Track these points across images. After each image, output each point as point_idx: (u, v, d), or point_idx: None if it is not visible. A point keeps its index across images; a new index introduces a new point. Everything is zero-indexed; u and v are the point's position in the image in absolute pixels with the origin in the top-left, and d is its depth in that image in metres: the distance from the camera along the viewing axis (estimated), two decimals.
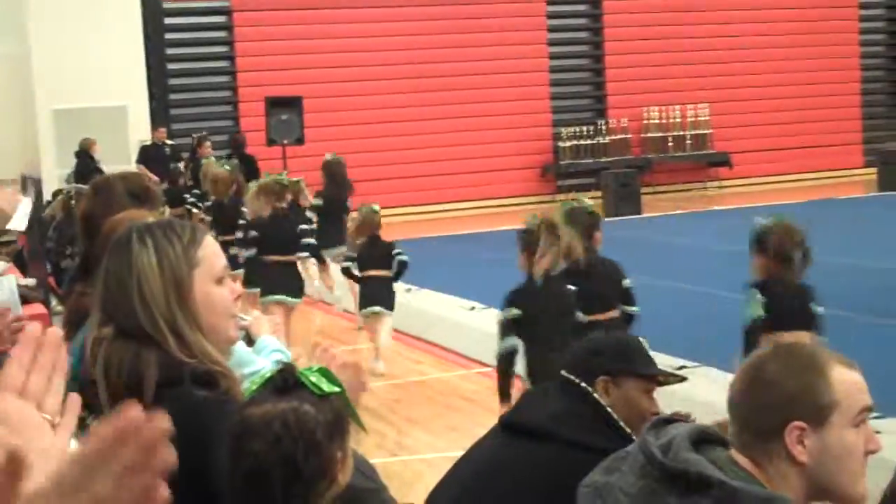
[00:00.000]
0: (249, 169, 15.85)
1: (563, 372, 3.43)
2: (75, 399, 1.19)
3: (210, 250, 2.47)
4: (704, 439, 2.13)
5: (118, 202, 3.74)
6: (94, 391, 2.33)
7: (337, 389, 2.08)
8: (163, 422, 0.97)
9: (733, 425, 2.18)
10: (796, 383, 2.14)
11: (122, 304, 2.39)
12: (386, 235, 10.08)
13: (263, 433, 2.01)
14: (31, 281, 9.18)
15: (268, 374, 2.10)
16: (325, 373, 2.09)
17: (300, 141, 19.63)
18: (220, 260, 2.50)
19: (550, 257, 6.10)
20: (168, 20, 21.22)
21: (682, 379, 3.74)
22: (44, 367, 1.20)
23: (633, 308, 6.64)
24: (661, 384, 3.56)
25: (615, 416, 3.31)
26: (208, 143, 18.38)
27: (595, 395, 3.34)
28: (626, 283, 6.68)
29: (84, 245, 3.81)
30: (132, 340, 2.36)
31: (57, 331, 1.19)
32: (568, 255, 6.23)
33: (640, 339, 3.61)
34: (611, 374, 3.37)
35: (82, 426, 2.42)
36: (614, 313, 6.47)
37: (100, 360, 2.35)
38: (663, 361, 4.65)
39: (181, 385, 2.30)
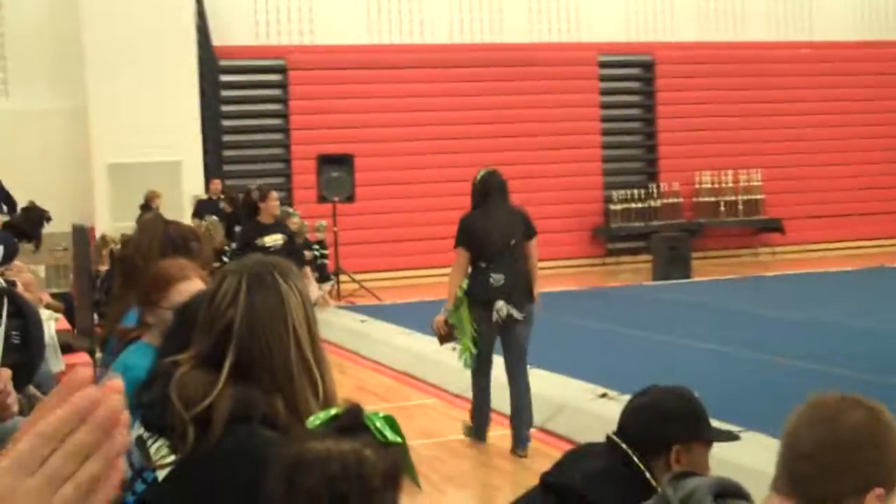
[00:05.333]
0: None
1: (610, 434, 3.36)
2: None
3: None
4: (726, 492, 2.08)
5: (155, 245, 3.80)
6: (157, 412, 2.41)
7: (399, 440, 2.05)
8: (116, 399, 0.95)
9: (799, 477, 2.13)
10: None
11: (268, 341, 2.47)
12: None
13: (320, 470, 1.98)
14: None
15: (333, 412, 2.09)
16: (390, 421, 2.07)
17: (351, 199, 19.74)
18: None
19: None
20: (223, 77, 21.50)
21: (736, 437, 3.64)
22: None
23: None
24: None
25: (654, 482, 3.22)
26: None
27: (635, 458, 3.26)
28: None
29: (119, 278, 3.89)
30: (209, 370, 2.46)
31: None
32: None
33: (698, 397, 3.51)
34: (683, 442, 3.29)
35: (141, 446, 2.47)
36: None
37: (174, 385, 2.45)
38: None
39: (250, 422, 2.39)
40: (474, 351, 8.47)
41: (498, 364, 11.06)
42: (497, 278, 8.25)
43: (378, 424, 2.05)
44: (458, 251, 8.46)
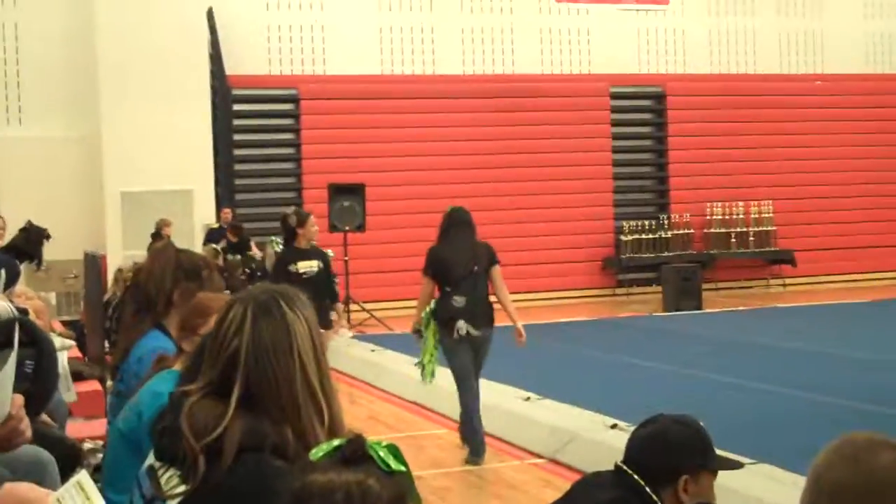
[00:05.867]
0: None
1: (619, 462, 3.35)
2: None
3: None
4: None
5: (167, 273, 3.82)
6: (168, 442, 2.42)
7: (403, 469, 2.05)
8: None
9: None
10: None
11: (275, 369, 2.46)
12: None
13: (324, 502, 1.98)
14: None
15: (336, 443, 2.09)
16: (393, 450, 2.08)
17: (361, 228, 19.76)
18: None
19: None
20: (236, 106, 21.57)
21: (740, 465, 3.66)
22: None
23: None
24: None
25: None
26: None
27: (647, 488, 3.24)
28: None
29: (131, 305, 3.92)
30: (218, 399, 2.45)
31: None
32: None
33: (703, 425, 3.49)
34: (692, 472, 3.29)
35: (152, 475, 2.48)
36: None
37: (184, 415, 2.45)
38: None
39: (261, 452, 2.39)
40: (436, 364, 9.77)
41: (510, 397, 11.07)
42: (459, 300, 9.31)
43: (381, 453, 2.04)
44: (423, 279, 9.61)
